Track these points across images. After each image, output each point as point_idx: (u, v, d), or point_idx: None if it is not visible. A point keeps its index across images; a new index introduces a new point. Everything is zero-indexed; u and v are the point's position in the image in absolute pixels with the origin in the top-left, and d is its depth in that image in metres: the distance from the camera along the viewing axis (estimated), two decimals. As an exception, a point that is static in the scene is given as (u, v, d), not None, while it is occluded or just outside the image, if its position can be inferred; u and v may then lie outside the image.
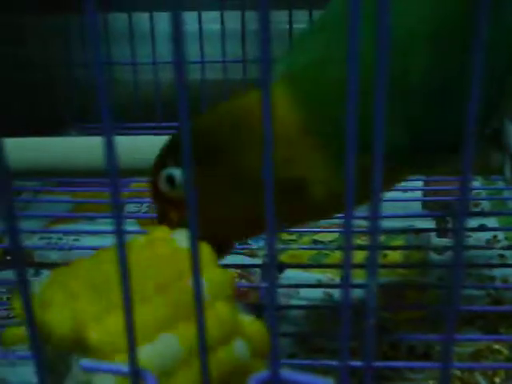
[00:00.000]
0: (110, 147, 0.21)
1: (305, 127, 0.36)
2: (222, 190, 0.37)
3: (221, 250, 0.36)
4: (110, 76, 0.86)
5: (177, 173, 0.36)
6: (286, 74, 0.38)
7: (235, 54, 0.86)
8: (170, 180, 0.37)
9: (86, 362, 0.26)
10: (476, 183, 0.78)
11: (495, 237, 0.69)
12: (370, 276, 0.23)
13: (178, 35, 0.19)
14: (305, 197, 0.36)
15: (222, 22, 0.85)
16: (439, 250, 0.67)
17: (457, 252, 0.22)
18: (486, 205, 0.76)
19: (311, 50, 0.39)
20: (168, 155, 0.37)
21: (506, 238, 0.68)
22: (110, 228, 0.21)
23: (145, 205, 0.76)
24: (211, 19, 0.87)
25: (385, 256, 0.66)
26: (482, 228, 0.70)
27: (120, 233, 0.22)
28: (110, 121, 0.20)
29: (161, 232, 0.34)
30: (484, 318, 0.57)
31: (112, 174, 0.21)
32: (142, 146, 0.48)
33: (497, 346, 0.53)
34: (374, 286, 0.23)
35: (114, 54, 0.87)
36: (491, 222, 0.71)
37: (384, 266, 0.64)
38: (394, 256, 0.66)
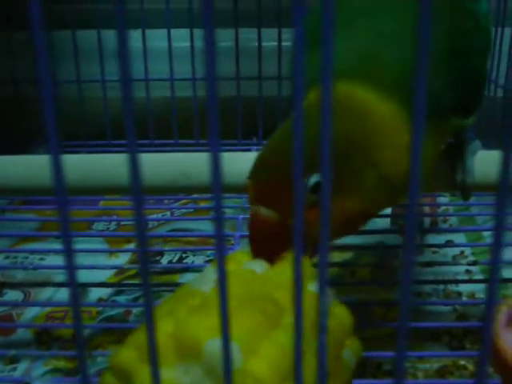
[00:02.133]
0: (57, 166, 0.20)
1: (400, 117, 0.37)
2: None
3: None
4: (57, 94, 0.85)
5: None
6: (344, 72, 0.37)
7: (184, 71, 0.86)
8: (316, 187, 0.36)
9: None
10: (444, 199, 0.78)
11: (462, 252, 0.69)
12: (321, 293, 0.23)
13: (124, 53, 0.19)
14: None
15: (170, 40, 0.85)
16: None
17: (406, 268, 0.22)
18: (454, 221, 0.76)
19: (357, 41, 0.40)
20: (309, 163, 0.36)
21: (473, 254, 0.69)
22: (78, 246, 0.21)
23: (113, 223, 0.76)
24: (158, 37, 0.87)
25: (353, 273, 0.66)
26: (449, 244, 0.70)
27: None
28: (55, 139, 0.20)
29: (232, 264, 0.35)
30: (450, 334, 0.57)
31: (60, 192, 0.21)
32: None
33: (462, 362, 0.54)
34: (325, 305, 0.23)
35: (60, 72, 0.87)
36: (459, 237, 0.72)
37: (352, 284, 0.64)
38: (363, 273, 0.66)
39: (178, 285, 0.63)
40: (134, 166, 0.21)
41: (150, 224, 0.76)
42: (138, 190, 0.21)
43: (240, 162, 0.48)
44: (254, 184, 0.37)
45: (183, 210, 0.78)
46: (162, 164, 0.47)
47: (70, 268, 0.22)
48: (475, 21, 0.43)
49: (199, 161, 0.47)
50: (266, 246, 0.36)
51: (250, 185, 0.37)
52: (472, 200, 0.76)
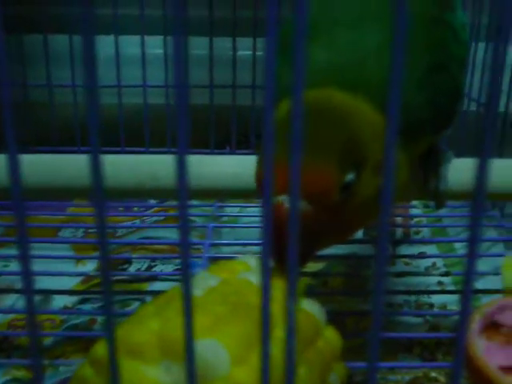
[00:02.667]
0: (14, 168, 0.19)
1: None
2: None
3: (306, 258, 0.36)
4: (27, 97, 0.84)
5: (353, 178, 0.35)
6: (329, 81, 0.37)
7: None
8: (347, 187, 0.35)
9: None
10: (416, 211, 0.78)
11: (434, 264, 0.68)
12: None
13: (89, 59, 0.18)
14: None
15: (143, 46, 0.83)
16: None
17: (378, 278, 0.21)
18: (426, 232, 0.75)
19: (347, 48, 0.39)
20: (340, 161, 0.34)
21: (445, 265, 0.68)
22: (39, 252, 0.20)
23: (81, 230, 0.74)
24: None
25: (325, 283, 0.64)
26: (422, 255, 0.69)
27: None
28: (14, 143, 0.19)
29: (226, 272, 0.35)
30: (422, 345, 0.56)
31: (16, 196, 0.20)
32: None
33: (434, 374, 0.53)
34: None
35: (31, 76, 0.85)
36: (431, 249, 0.71)
37: (323, 294, 0.62)
38: (335, 283, 0.65)
39: (146, 293, 0.62)
40: (96, 167, 0.20)
41: (119, 231, 0.74)
42: (99, 192, 0.20)
43: (208, 165, 0.47)
44: (280, 171, 0.34)
45: (154, 218, 0.77)
46: (130, 166, 0.45)
47: (26, 274, 0.21)
48: (453, 33, 0.43)
49: (168, 163, 0.46)
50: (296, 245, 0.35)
51: (278, 167, 0.34)
52: (444, 212, 0.76)
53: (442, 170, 0.46)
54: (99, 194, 0.20)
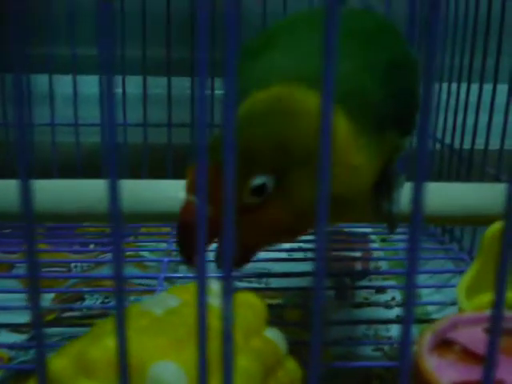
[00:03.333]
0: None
1: (350, 131, 0.36)
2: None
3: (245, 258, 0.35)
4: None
5: (269, 181, 0.34)
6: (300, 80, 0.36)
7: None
8: (259, 190, 0.34)
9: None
10: (374, 245, 0.77)
11: (393, 298, 0.67)
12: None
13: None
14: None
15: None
16: (335, 309, 0.65)
17: (316, 311, 0.21)
18: (384, 266, 0.75)
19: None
20: (253, 163, 0.34)
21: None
22: None
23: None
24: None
25: (280, 316, 0.63)
26: (380, 289, 0.68)
27: None
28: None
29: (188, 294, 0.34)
30: (380, 379, 0.54)
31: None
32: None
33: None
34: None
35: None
36: (390, 283, 0.70)
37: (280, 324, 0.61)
38: (292, 315, 0.63)
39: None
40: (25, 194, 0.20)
41: (74, 269, 0.72)
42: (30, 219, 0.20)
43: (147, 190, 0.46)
44: (191, 172, 0.34)
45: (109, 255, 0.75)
46: (81, 190, 0.44)
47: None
48: (406, 44, 0.45)
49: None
50: (191, 240, 0.34)
51: (190, 169, 0.34)
52: (401, 245, 0.76)
53: (395, 193, 0.45)
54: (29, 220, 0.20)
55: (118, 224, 0.21)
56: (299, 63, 0.38)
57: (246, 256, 0.36)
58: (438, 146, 0.75)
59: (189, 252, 0.34)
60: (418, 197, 0.20)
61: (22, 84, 0.18)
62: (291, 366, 0.34)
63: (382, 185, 0.46)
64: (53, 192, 0.43)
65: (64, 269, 0.72)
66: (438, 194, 0.48)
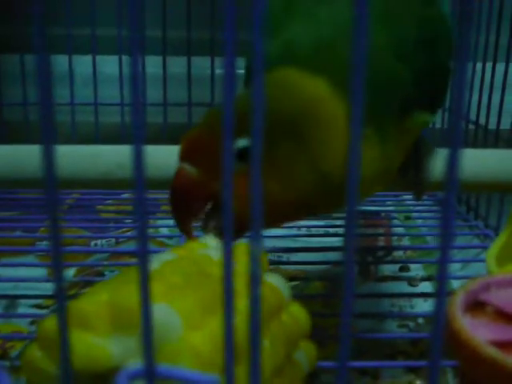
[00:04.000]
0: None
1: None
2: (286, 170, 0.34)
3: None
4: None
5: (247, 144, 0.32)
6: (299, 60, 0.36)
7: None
8: (244, 154, 0.32)
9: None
10: (396, 221, 0.75)
11: (417, 275, 0.66)
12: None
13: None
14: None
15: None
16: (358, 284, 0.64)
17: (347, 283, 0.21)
18: (406, 241, 0.73)
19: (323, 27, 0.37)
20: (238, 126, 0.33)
21: (427, 274, 0.65)
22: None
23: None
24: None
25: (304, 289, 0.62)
26: (404, 267, 0.67)
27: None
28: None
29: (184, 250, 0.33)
30: (406, 355, 0.53)
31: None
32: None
33: (418, 382, 0.50)
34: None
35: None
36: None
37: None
38: (315, 288, 0.62)
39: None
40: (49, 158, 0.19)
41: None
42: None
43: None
44: (185, 139, 0.34)
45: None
46: (96, 156, 0.43)
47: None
48: (441, 16, 0.42)
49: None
50: (183, 206, 0.34)
51: (182, 139, 0.33)
52: (419, 223, 0.74)
53: (424, 161, 0.44)
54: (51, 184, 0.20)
55: (142, 190, 0.20)
56: (316, 36, 0.37)
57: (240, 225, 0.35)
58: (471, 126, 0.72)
59: (182, 217, 0.34)
60: (453, 163, 0.19)
61: (48, 63, 0.19)
62: (297, 311, 0.34)
63: (410, 153, 0.44)
64: (74, 158, 0.42)
65: (84, 246, 0.71)
66: (471, 161, 0.46)
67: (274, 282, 0.33)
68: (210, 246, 0.34)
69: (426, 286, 0.63)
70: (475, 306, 0.34)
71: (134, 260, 0.66)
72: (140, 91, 0.20)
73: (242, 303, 0.29)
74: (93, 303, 0.27)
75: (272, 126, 0.32)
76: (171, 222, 0.73)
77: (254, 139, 0.20)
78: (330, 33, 0.37)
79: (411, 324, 0.58)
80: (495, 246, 0.44)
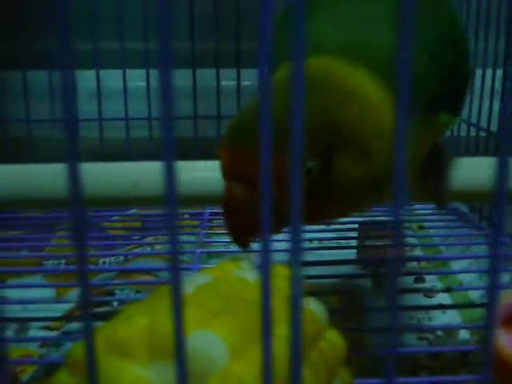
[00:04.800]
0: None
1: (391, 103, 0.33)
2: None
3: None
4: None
5: (315, 163, 0.31)
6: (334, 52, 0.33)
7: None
8: (306, 173, 0.31)
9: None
10: (409, 232, 0.73)
11: (433, 286, 0.64)
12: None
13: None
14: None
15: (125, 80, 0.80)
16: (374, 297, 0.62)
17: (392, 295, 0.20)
18: (419, 253, 0.71)
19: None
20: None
21: (442, 284, 0.63)
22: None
23: (63, 261, 0.69)
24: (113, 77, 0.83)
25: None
26: (420, 278, 0.65)
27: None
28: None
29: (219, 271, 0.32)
30: (428, 369, 0.51)
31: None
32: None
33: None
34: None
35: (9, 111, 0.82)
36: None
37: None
38: (330, 302, 0.60)
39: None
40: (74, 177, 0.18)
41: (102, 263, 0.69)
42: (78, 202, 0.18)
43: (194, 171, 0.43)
44: (229, 154, 0.31)
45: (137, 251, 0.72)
46: (111, 174, 0.41)
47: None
48: (457, 16, 0.41)
49: (151, 170, 0.41)
50: (241, 225, 0.31)
51: (222, 154, 0.31)
52: (432, 232, 0.72)
53: (446, 168, 0.42)
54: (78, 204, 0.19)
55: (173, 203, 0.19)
56: (344, 34, 0.35)
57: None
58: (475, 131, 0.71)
59: (240, 235, 0.32)
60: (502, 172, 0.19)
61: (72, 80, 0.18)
62: (334, 338, 0.32)
63: (430, 161, 0.42)
64: (99, 176, 0.40)
65: (91, 265, 0.69)
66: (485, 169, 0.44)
67: (312, 307, 0.31)
68: (243, 267, 0.32)
69: (444, 298, 0.61)
70: (508, 319, 0.32)
71: (145, 277, 0.64)
72: (171, 106, 0.19)
73: (282, 329, 0.27)
74: (131, 328, 0.25)
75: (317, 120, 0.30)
76: (181, 237, 0.73)
77: (294, 153, 0.18)
78: (354, 29, 0.35)
79: (430, 337, 0.56)
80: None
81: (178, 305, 0.21)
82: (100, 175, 0.40)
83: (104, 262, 0.70)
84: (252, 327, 0.27)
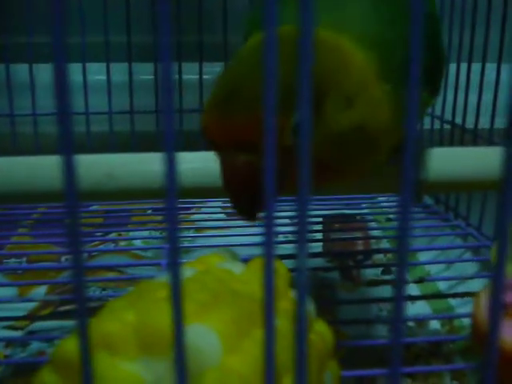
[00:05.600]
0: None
1: (377, 73, 0.33)
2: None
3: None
4: None
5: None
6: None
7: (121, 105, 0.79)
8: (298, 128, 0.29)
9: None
10: (373, 225, 0.73)
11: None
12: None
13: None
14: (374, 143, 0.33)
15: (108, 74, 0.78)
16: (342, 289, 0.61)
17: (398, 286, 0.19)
18: (386, 244, 0.71)
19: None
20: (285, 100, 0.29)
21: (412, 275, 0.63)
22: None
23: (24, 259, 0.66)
24: (97, 71, 0.81)
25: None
26: (387, 269, 0.65)
27: None
28: None
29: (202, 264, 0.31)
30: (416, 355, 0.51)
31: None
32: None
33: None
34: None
35: None
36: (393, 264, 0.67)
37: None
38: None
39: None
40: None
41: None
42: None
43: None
44: (224, 120, 0.28)
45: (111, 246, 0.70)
46: (84, 166, 0.39)
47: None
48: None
49: (125, 161, 0.40)
50: (246, 195, 0.29)
51: (215, 121, 0.29)
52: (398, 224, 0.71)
53: (423, 159, 0.41)
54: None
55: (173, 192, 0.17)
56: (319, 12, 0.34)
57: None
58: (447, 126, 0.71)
59: (246, 206, 0.30)
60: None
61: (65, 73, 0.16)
62: (322, 329, 0.31)
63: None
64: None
65: (53, 262, 0.67)
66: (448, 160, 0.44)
67: None
68: (225, 258, 0.31)
69: (413, 289, 0.61)
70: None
71: (110, 274, 0.62)
72: (172, 98, 0.17)
73: (284, 303, 0.26)
74: (119, 324, 0.24)
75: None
76: (145, 233, 0.71)
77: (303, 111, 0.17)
78: (328, 7, 0.34)
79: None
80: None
81: (177, 303, 0.20)
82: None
83: (67, 259, 0.68)
84: (243, 320, 0.26)
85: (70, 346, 0.23)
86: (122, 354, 0.23)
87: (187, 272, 0.28)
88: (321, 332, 0.30)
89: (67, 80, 0.17)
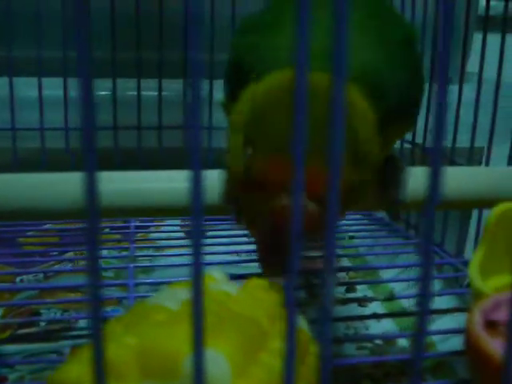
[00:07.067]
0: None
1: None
2: None
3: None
4: None
5: None
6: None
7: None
8: None
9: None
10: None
11: (365, 296, 0.63)
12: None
13: None
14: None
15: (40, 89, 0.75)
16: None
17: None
18: (346, 263, 0.70)
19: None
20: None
21: (375, 295, 0.63)
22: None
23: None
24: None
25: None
26: (351, 287, 0.64)
27: None
28: None
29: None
30: (371, 378, 0.50)
31: None
32: None
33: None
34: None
35: None
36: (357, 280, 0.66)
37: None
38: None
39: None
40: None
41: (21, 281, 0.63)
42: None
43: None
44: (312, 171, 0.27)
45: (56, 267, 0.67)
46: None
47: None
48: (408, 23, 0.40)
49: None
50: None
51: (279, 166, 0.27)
52: (358, 242, 0.71)
53: (402, 179, 0.41)
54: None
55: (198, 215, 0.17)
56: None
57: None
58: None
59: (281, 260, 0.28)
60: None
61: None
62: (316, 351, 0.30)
63: (386, 171, 0.41)
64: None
65: (7, 283, 0.63)
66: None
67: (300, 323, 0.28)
68: (215, 278, 0.29)
69: (376, 306, 0.61)
70: (489, 324, 0.32)
71: (70, 295, 0.59)
72: (198, 115, 0.16)
73: (276, 343, 0.25)
74: (120, 349, 0.22)
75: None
76: (104, 252, 0.68)
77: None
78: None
79: (369, 345, 0.55)
80: (475, 261, 0.41)
81: (199, 322, 0.18)
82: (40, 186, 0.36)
83: (22, 280, 0.65)
84: (248, 343, 0.24)
85: (71, 373, 0.21)
86: (124, 380, 0.21)
87: (183, 294, 0.27)
88: (316, 353, 0.29)
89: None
